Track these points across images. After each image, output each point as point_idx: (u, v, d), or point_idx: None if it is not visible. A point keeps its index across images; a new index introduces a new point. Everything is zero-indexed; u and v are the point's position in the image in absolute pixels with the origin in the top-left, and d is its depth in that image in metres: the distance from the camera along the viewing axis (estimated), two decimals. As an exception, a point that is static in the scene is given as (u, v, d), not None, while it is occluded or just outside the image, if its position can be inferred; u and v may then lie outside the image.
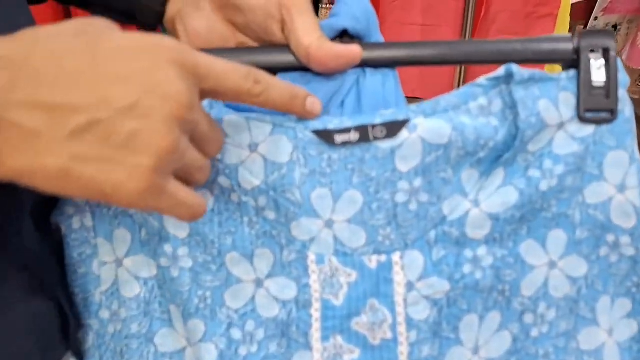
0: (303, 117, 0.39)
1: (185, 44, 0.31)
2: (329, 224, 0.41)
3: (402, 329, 0.42)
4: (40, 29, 0.28)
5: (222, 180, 0.40)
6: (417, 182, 0.41)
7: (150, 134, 0.27)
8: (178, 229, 0.41)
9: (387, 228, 0.41)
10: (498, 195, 0.41)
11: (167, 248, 0.42)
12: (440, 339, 0.43)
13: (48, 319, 0.41)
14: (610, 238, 0.43)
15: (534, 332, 0.44)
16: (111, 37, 0.29)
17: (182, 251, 0.42)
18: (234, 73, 0.32)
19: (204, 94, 0.31)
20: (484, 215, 0.41)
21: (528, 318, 0.44)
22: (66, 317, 0.42)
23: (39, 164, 0.26)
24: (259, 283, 0.43)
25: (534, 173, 0.41)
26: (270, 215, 0.41)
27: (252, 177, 0.40)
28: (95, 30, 0.29)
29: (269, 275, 0.43)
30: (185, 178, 0.32)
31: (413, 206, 0.41)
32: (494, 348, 0.44)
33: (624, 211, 0.42)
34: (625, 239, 0.42)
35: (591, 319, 0.44)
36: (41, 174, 0.27)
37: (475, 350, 0.43)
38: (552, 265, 0.43)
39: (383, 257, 0.42)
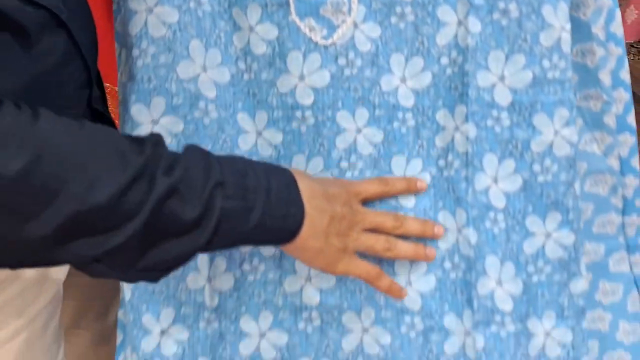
0: None
1: (347, 182, 0.54)
2: None
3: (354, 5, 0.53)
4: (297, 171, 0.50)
5: None
6: None
7: (358, 213, 0.52)
8: None
9: None
10: None
11: None
12: None
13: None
14: None
15: (540, 179, 0.54)
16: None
17: None
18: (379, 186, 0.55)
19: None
20: None
21: (536, 168, 0.54)
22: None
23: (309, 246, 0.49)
24: None
25: None
26: None
27: None
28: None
29: None
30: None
31: None
32: (509, 183, 0.55)
33: None
34: None
35: None
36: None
37: (495, 180, 0.55)
38: (555, 133, 0.54)
39: None
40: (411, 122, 0.56)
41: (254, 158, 0.54)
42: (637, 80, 2.83)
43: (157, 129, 0.55)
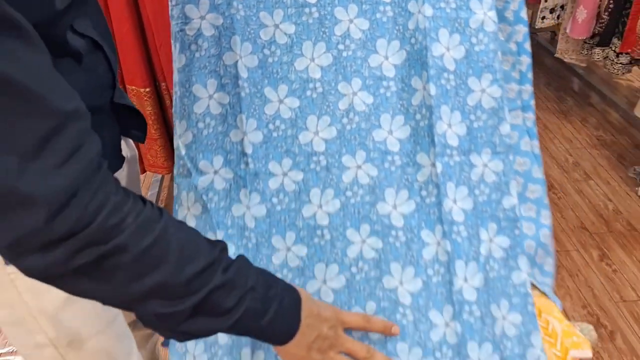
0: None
1: (339, 311, 0.67)
2: None
3: None
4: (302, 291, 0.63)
5: None
6: None
7: (336, 341, 0.64)
8: None
9: None
10: None
11: None
12: None
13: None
14: None
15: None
16: (315, 301, 0.65)
17: None
18: (361, 321, 0.68)
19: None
20: None
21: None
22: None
23: (291, 353, 0.61)
24: None
25: None
26: None
27: None
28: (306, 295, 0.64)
29: None
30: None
31: None
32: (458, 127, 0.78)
33: None
34: None
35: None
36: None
37: None
38: (482, 91, 0.80)
39: None
40: (393, 89, 0.78)
41: (277, 122, 0.76)
42: (591, 71, 3.07)
43: (212, 103, 0.76)
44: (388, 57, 0.78)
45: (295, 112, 0.77)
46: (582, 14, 2.14)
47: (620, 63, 2.12)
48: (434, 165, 0.75)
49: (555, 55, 2.50)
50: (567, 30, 2.28)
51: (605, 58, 2.19)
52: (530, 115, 0.88)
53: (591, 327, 0.87)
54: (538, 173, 0.86)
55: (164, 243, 0.49)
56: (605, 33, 2.12)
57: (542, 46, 3.19)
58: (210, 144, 0.77)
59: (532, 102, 0.89)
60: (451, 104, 0.77)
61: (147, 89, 1.46)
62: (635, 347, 1.52)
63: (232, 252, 0.73)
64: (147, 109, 1.50)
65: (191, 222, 0.76)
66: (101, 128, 0.53)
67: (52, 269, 0.44)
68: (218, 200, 0.76)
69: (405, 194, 0.76)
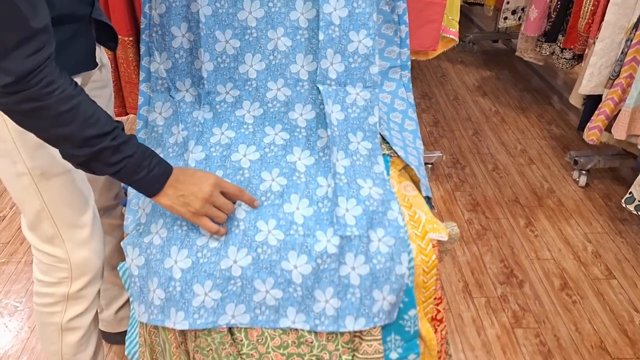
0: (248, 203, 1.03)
1: (220, 177, 0.97)
2: None
3: None
4: (181, 170, 0.94)
5: None
6: None
7: (196, 202, 0.92)
8: None
9: None
10: None
11: None
12: None
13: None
14: None
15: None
16: (198, 172, 0.95)
17: None
18: (234, 187, 0.98)
19: (223, 192, 0.96)
20: None
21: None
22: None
23: (162, 203, 0.94)
24: None
25: None
26: None
27: None
28: (195, 170, 0.96)
29: None
30: (214, 218, 0.95)
31: None
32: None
33: None
34: None
35: None
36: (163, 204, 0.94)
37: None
38: (359, 42, 1.14)
39: None
40: (306, 35, 1.15)
41: (224, 57, 1.14)
42: (554, 73, 3.30)
43: (184, 40, 1.14)
44: (303, 13, 1.14)
45: (236, 50, 1.13)
46: (534, 12, 2.38)
47: (564, 58, 2.35)
48: (317, 89, 1.11)
49: (516, 54, 2.74)
50: (522, 29, 2.52)
51: (552, 53, 2.43)
52: (407, 73, 1.25)
53: (455, 224, 1.09)
54: (413, 114, 1.22)
55: (75, 112, 0.79)
56: (553, 30, 2.35)
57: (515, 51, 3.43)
58: (182, 70, 1.14)
59: (409, 63, 1.23)
60: (335, 48, 1.10)
61: (131, 38, 1.71)
62: (539, 294, 1.73)
63: (188, 134, 1.12)
64: (130, 56, 1.74)
65: (160, 122, 1.13)
66: (81, 35, 0.93)
67: (8, 106, 0.77)
68: (185, 108, 1.13)
69: (309, 107, 1.13)
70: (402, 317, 0.97)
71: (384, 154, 1.13)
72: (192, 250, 0.94)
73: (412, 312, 0.97)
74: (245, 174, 1.05)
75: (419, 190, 1.17)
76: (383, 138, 1.17)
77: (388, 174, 1.11)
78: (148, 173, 0.87)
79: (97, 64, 1.04)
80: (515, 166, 2.41)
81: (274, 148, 1.10)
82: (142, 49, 1.15)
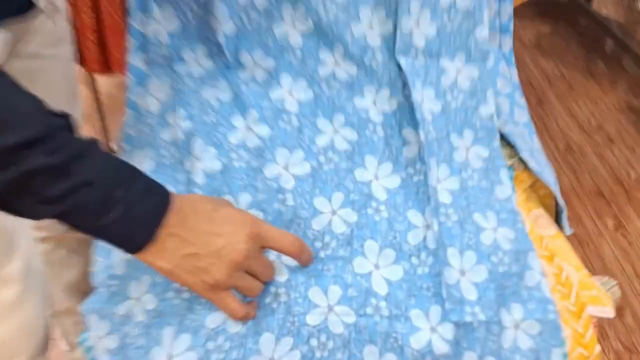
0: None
1: (257, 219, 0.54)
2: None
3: None
4: (190, 202, 0.51)
5: None
6: None
7: (219, 269, 0.50)
8: None
9: None
10: None
11: None
12: None
13: None
14: None
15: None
16: (221, 209, 0.53)
17: None
18: (285, 239, 0.55)
19: (264, 247, 0.54)
20: None
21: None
22: None
23: (157, 266, 0.51)
24: None
25: None
26: None
27: None
28: (215, 204, 0.53)
29: None
30: (242, 292, 0.54)
31: None
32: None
33: None
34: None
35: None
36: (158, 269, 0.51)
37: None
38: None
39: None
40: None
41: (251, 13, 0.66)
42: (627, 32, 2.81)
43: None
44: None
45: (269, 2, 0.66)
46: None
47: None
48: (397, 64, 0.68)
49: (593, 8, 2.25)
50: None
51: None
52: (508, 40, 0.79)
53: (615, 282, 0.69)
54: (521, 99, 0.80)
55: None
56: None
57: (578, 4, 2.92)
58: (192, 32, 0.67)
59: (511, 25, 0.78)
60: (421, 0, 0.66)
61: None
62: (644, 326, 1.35)
63: (192, 127, 0.66)
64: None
65: (154, 109, 0.68)
66: None
67: None
68: (192, 85, 0.68)
69: (386, 92, 0.70)
70: None
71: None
72: (198, 336, 0.55)
73: None
74: (287, 200, 0.61)
75: (557, 224, 0.76)
76: (502, 138, 0.74)
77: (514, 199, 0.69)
78: (126, 212, 0.47)
79: (34, 5, 0.66)
80: (591, 146, 1.97)
81: (333, 156, 0.65)
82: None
